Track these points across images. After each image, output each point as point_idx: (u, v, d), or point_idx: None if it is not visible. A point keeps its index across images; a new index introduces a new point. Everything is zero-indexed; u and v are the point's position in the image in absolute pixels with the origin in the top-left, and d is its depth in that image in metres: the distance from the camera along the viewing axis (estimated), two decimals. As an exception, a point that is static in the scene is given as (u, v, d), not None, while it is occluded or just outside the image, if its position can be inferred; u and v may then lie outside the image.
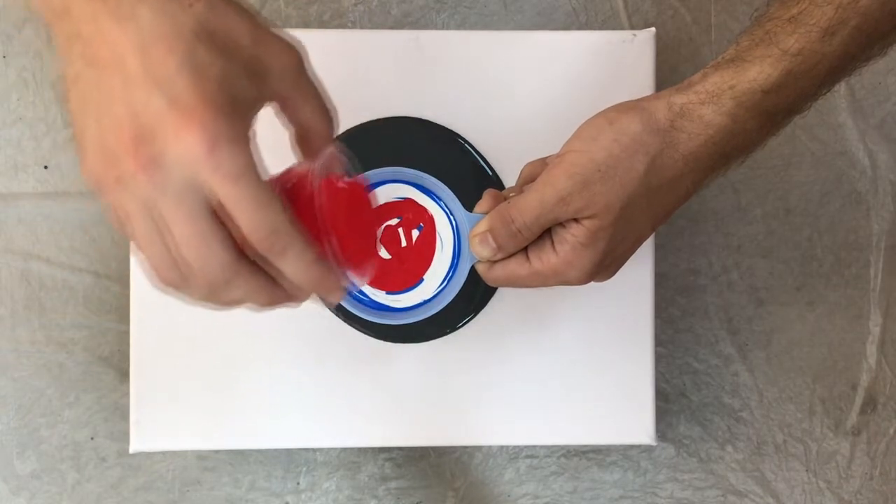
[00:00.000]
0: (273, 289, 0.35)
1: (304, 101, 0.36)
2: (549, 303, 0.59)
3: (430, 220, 0.55)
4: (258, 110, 0.34)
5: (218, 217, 0.32)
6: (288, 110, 0.37)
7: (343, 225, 0.39)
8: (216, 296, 0.34)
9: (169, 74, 0.30)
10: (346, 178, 0.40)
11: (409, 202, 0.55)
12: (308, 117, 0.37)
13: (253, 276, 0.34)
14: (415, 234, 0.55)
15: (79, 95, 0.32)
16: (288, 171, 0.38)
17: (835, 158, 0.71)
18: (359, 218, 0.41)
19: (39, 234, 0.68)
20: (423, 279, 0.55)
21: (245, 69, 0.33)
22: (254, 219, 0.31)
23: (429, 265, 0.55)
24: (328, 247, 0.36)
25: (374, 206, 0.42)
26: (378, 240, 0.46)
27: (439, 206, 0.55)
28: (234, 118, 0.31)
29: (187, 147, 0.30)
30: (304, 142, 0.38)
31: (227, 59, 0.32)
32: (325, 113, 0.38)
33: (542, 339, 0.59)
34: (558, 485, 0.72)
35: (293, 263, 0.33)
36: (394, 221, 0.55)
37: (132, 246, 0.59)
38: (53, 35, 0.33)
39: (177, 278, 0.33)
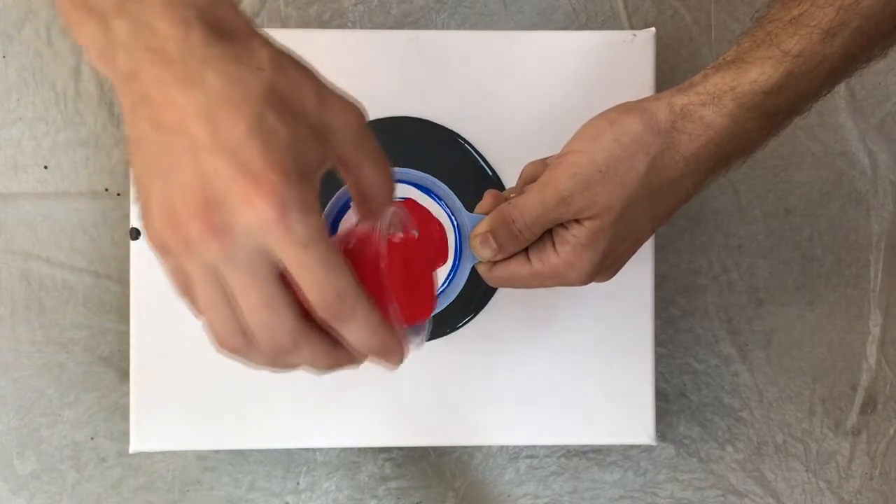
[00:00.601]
0: (336, 353, 0.35)
1: (367, 162, 0.36)
2: (549, 303, 0.59)
3: (441, 231, 0.55)
4: (324, 172, 0.34)
5: (285, 282, 0.32)
6: (350, 172, 0.36)
7: (403, 284, 0.39)
8: (280, 360, 0.34)
9: (237, 140, 0.30)
10: (404, 235, 0.40)
11: (409, 202, 0.55)
12: (370, 179, 0.36)
13: (318, 341, 0.33)
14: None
15: (144, 159, 0.32)
16: (349, 232, 0.38)
17: (835, 158, 0.71)
18: (418, 274, 0.41)
19: (39, 234, 0.67)
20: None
21: (311, 132, 0.32)
22: (322, 284, 0.31)
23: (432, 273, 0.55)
24: (391, 310, 0.36)
25: (435, 262, 0.43)
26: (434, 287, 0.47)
27: (440, 206, 0.55)
28: (303, 183, 0.31)
29: (258, 214, 0.29)
30: (365, 203, 0.38)
31: (294, 123, 0.31)
32: (387, 174, 0.37)
33: (541, 339, 0.59)
34: (558, 485, 0.72)
35: (359, 329, 0.33)
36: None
37: (132, 248, 0.59)
38: (120, 97, 0.33)
39: (242, 344, 0.33)
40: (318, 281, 0.31)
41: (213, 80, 0.30)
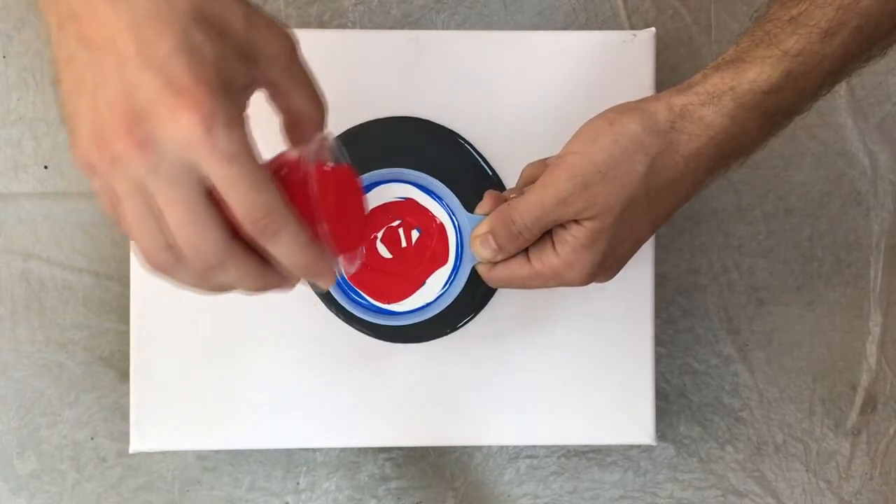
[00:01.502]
0: (265, 272, 0.35)
1: (296, 87, 0.36)
2: (549, 303, 0.59)
3: (441, 229, 0.55)
4: (251, 94, 0.34)
5: (212, 199, 0.32)
6: (279, 96, 0.37)
7: (334, 210, 0.39)
8: (208, 279, 0.34)
9: (164, 55, 0.30)
10: (335, 164, 0.40)
11: (410, 202, 0.55)
12: (299, 103, 0.37)
13: (246, 258, 0.33)
14: (414, 235, 0.55)
15: (71, 76, 0.32)
16: (278, 157, 0.38)
17: (835, 158, 0.71)
18: (348, 203, 0.41)
19: (39, 234, 0.67)
20: (425, 282, 0.55)
21: (238, 53, 0.33)
22: (248, 200, 0.31)
23: (431, 273, 0.55)
24: (320, 232, 0.36)
25: (362, 190, 0.42)
26: (366, 227, 0.46)
27: (440, 206, 0.55)
28: (230, 100, 0.31)
29: (183, 127, 0.30)
30: (295, 128, 0.38)
31: (221, 41, 0.32)
32: (317, 99, 0.38)
33: (542, 340, 0.59)
34: (558, 485, 0.72)
35: (287, 246, 0.33)
36: (395, 223, 0.55)
37: (132, 245, 0.59)
38: (45, 18, 0.33)
39: (169, 261, 0.33)
40: (244, 195, 0.31)
41: None
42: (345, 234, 0.40)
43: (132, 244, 0.34)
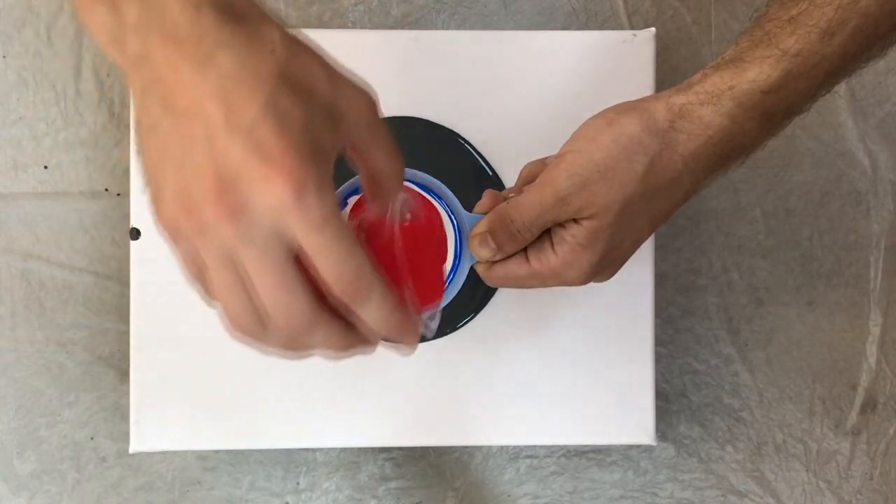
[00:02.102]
0: (351, 335, 0.34)
1: (377, 147, 0.36)
2: (549, 303, 0.59)
3: (441, 229, 0.55)
4: (336, 156, 0.34)
5: (300, 265, 0.32)
6: (360, 156, 0.36)
7: (416, 268, 0.39)
8: (295, 344, 0.34)
9: (252, 120, 0.30)
10: (415, 218, 0.40)
11: (411, 192, 0.55)
12: (380, 163, 0.37)
13: (333, 322, 0.33)
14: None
15: (156, 143, 0.32)
16: (361, 217, 0.38)
17: (835, 158, 0.71)
18: (429, 257, 0.42)
19: (39, 234, 0.68)
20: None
21: (324, 115, 0.32)
22: (339, 265, 0.31)
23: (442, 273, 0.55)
24: (406, 292, 0.36)
25: (442, 241, 0.43)
26: (445, 276, 0.47)
27: (440, 205, 0.55)
28: (319, 164, 0.31)
29: (274, 195, 0.29)
30: (375, 186, 0.38)
31: (308, 105, 0.31)
32: (398, 159, 0.37)
33: (542, 339, 0.59)
34: (558, 485, 0.72)
35: (376, 309, 0.33)
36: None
37: (132, 248, 0.59)
38: (129, 82, 0.32)
39: (256, 328, 0.33)
40: (335, 261, 0.31)
41: (225, 60, 0.30)
42: (427, 289, 0.40)
43: (217, 308, 0.34)
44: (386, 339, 0.36)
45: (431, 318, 0.42)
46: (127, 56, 0.32)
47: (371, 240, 0.36)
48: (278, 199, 0.29)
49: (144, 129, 0.32)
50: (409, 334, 0.35)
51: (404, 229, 0.38)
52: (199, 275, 0.33)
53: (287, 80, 0.31)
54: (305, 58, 0.32)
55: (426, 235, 0.42)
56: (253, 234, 0.30)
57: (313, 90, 0.32)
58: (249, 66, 0.30)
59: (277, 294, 0.31)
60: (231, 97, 0.30)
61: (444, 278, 0.44)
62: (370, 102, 0.35)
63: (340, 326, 0.34)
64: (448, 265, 0.54)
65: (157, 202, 0.32)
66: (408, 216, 0.39)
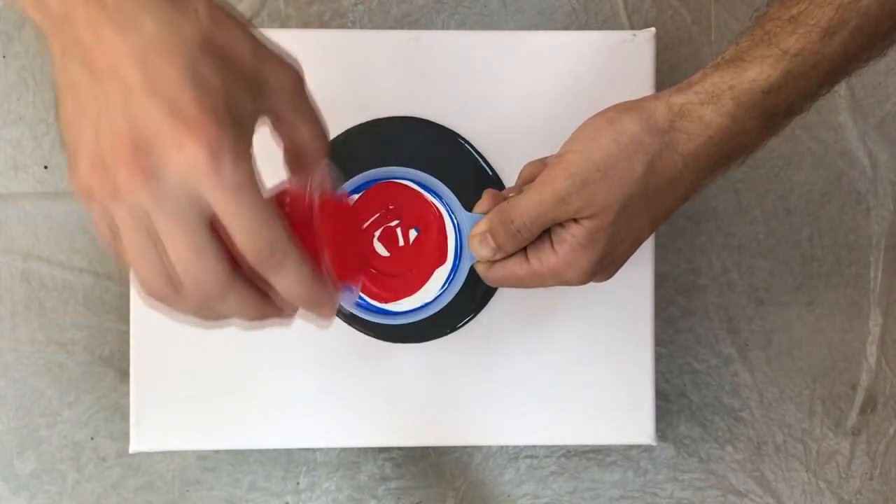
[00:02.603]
0: (265, 304, 0.34)
1: (301, 119, 0.36)
2: (549, 303, 0.59)
3: (441, 226, 0.54)
4: (256, 126, 0.34)
5: (214, 230, 0.31)
6: (283, 127, 0.36)
7: (337, 241, 0.39)
8: (207, 310, 0.34)
9: (171, 85, 0.30)
10: (336, 195, 0.40)
11: (408, 191, 0.55)
12: (303, 135, 0.36)
13: (246, 290, 0.33)
14: (412, 234, 0.55)
15: (74, 103, 0.31)
16: (279, 188, 0.38)
17: (835, 158, 0.71)
18: (349, 234, 0.41)
19: (39, 234, 0.68)
20: (426, 283, 0.55)
21: (245, 83, 0.32)
22: (253, 232, 0.31)
23: (432, 273, 0.55)
24: (323, 264, 0.36)
25: (360, 223, 0.43)
26: (364, 258, 0.46)
27: (441, 206, 0.55)
28: (236, 130, 0.31)
29: (189, 158, 0.29)
30: (297, 160, 0.38)
31: (228, 72, 0.31)
32: (321, 131, 0.37)
33: (542, 340, 0.59)
34: (558, 485, 0.72)
35: (290, 278, 0.33)
36: (393, 223, 0.55)
37: (131, 275, 0.59)
38: (49, 43, 0.32)
39: (168, 292, 0.33)
40: (248, 228, 0.31)
41: (148, 23, 0.30)
42: (346, 265, 0.40)
43: (131, 274, 0.33)
44: (302, 312, 0.36)
45: (347, 295, 0.41)
46: (48, 16, 0.32)
47: (290, 214, 0.36)
48: (193, 163, 0.29)
49: (62, 89, 0.32)
50: (324, 307, 0.35)
51: (324, 203, 0.38)
52: (112, 239, 0.33)
53: (209, 47, 0.31)
54: (229, 26, 0.32)
55: (349, 212, 0.41)
56: (166, 198, 0.30)
57: (235, 58, 0.32)
58: (171, 31, 0.30)
59: (189, 259, 0.31)
60: (150, 60, 0.30)
61: (362, 256, 0.43)
62: (295, 75, 0.35)
63: (254, 295, 0.33)
64: (447, 267, 0.54)
65: (72, 163, 0.32)
66: (329, 191, 0.39)
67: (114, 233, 0.32)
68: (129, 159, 0.30)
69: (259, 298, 0.34)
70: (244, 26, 0.33)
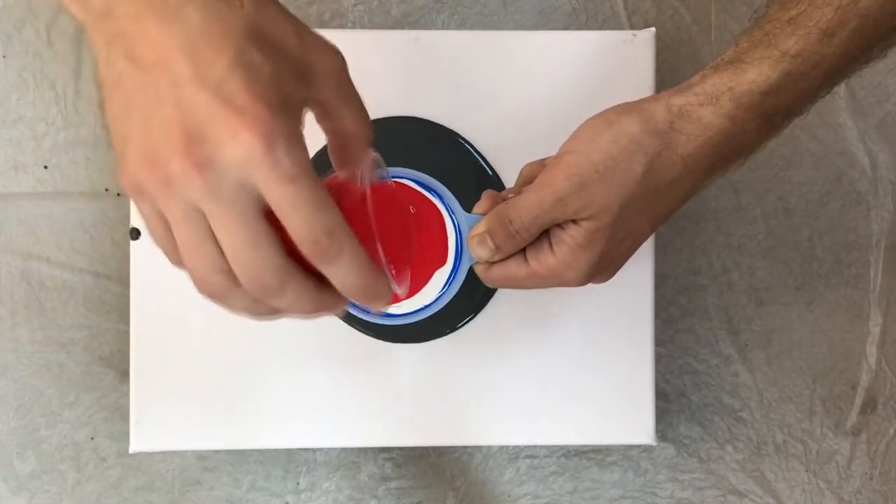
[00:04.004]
0: (321, 295, 0.33)
1: (346, 106, 0.35)
2: (548, 303, 0.59)
3: (442, 227, 0.54)
4: (305, 113, 0.34)
5: (271, 222, 0.31)
6: (328, 116, 0.36)
7: (388, 230, 0.38)
8: (263, 303, 0.33)
9: (220, 74, 0.29)
10: (384, 182, 0.39)
11: (419, 196, 0.54)
12: (349, 123, 0.36)
13: (303, 280, 0.32)
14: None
15: (121, 97, 0.31)
16: (328, 178, 0.38)
17: (835, 158, 0.71)
18: (399, 222, 0.41)
19: (39, 234, 0.68)
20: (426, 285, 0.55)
21: (293, 70, 0.32)
22: (310, 220, 0.30)
23: (431, 275, 0.55)
24: (378, 254, 0.36)
25: (411, 210, 0.42)
26: (414, 245, 0.46)
27: (442, 206, 0.55)
28: (289, 117, 0.30)
29: (243, 146, 0.29)
30: (343, 149, 0.37)
31: (277, 58, 0.31)
32: (366, 119, 0.37)
33: (541, 340, 0.59)
34: (558, 485, 0.72)
35: (347, 267, 0.32)
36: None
37: (132, 248, 0.59)
38: (91, 36, 0.32)
39: (225, 286, 0.32)
40: (305, 216, 0.30)
41: (192, 14, 0.30)
42: (397, 253, 0.39)
43: (184, 267, 0.33)
44: (355, 302, 0.35)
45: (400, 283, 0.41)
46: (90, 10, 0.31)
47: (341, 201, 0.36)
48: (247, 152, 0.29)
49: (109, 83, 0.31)
50: (379, 295, 0.34)
51: (375, 191, 0.37)
52: (164, 234, 0.32)
53: (256, 34, 0.31)
54: (274, 11, 0.32)
55: (395, 200, 0.41)
56: (220, 188, 0.29)
57: (282, 45, 0.32)
58: (217, 20, 0.30)
59: (245, 250, 0.31)
60: (198, 51, 0.29)
61: (412, 244, 0.43)
62: (340, 60, 0.34)
63: (311, 286, 0.33)
64: (448, 268, 0.54)
65: (121, 158, 0.31)
66: (377, 180, 0.39)
67: (165, 227, 0.32)
68: (182, 150, 0.29)
69: (315, 289, 0.33)
70: (287, 13, 0.33)
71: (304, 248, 0.31)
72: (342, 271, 0.32)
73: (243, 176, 0.29)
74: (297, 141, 0.30)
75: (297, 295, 0.33)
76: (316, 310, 0.34)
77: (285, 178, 0.29)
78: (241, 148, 0.29)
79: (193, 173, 0.29)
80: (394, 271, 0.38)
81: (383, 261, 0.36)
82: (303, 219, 0.30)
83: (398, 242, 0.40)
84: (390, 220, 0.40)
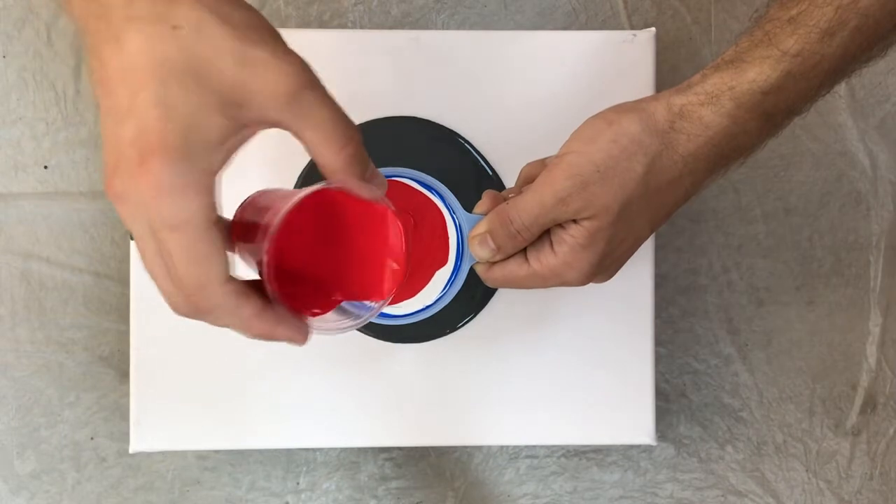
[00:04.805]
0: (259, 321, 0.34)
1: (307, 126, 0.34)
2: (548, 303, 0.59)
3: (444, 227, 0.54)
4: (237, 144, 0.33)
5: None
6: (294, 134, 0.35)
7: (361, 258, 0.38)
8: (214, 322, 0.34)
9: (142, 109, 0.31)
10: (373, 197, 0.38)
11: (421, 196, 0.54)
12: (312, 142, 0.34)
13: (232, 309, 0.33)
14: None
15: (100, 106, 0.33)
16: (319, 187, 0.36)
17: (835, 158, 0.71)
18: (378, 251, 0.41)
19: (39, 234, 0.68)
20: (426, 286, 0.55)
21: (222, 101, 0.32)
22: (181, 273, 0.32)
23: (432, 276, 0.55)
24: (334, 285, 0.36)
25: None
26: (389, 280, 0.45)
27: (443, 206, 0.55)
28: (191, 164, 0.31)
29: (139, 190, 0.31)
30: (319, 166, 0.36)
31: (201, 93, 0.31)
32: (337, 138, 0.34)
33: (541, 340, 0.59)
34: (558, 485, 0.72)
35: (226, 320, 0.33)
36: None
37: (132, 248, 0.59)
38: (82, 42, 0.35)
39: (177, 303, 0.34)
40: (178, 268, 0.32)
41: (131, 39, 0.31)
42: (368, 281, 0.39)
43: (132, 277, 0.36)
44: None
45: (367, 309, 0.40)
46: (74, 22, 0.33)
47: (313, 218, 0.36)
48: (141, 196, 0.31)
49: (93, 83, 0.33)
50: (287, 337, 0.35)
51: (359, 216, 0.37)
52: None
53: (184, 66, 0.31)
54: (215, 35, 0.32)
55: (381, 230, 0.40)
56: (134, 220, 0.32)
57: (214, 73, 0.32)
58: (151, 49, 0.31)
59: (156, 277, 0.33)
60: (132, 80, 0.31)
61: (390, 284, 0.42)
62: (296, 80, 0.33)
63: (248, 313, 0.34)
64: (449, 268, 0.54)
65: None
66: (388, 204, 0.38)
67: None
68: (109, 179, 0.32)
69: (255, 316, 0.34)
70: (232, 32, 0.32)
71: (180, 300, 0.33)
72: (222, 322, 0.34)
73: (143, 215, 0.31)
74: (189, 191, 0.31)
75: (229, 320, 0.34)
76: (257, 335, 0.35)
77: (166, 227, 0.31)
78: (137, 191, 0.31)
79: (117, 202, 0.32)
80: (361, 297, 0.38)
81: (341, 290, 0.36)
82: (175, 270, 0.32)
83: (374, 268, 0.40)
84: (371, 245, 0.39)
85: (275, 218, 0.34)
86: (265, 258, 0.34)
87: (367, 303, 0.41)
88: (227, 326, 0.34)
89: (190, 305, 0.33)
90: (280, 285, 0.34)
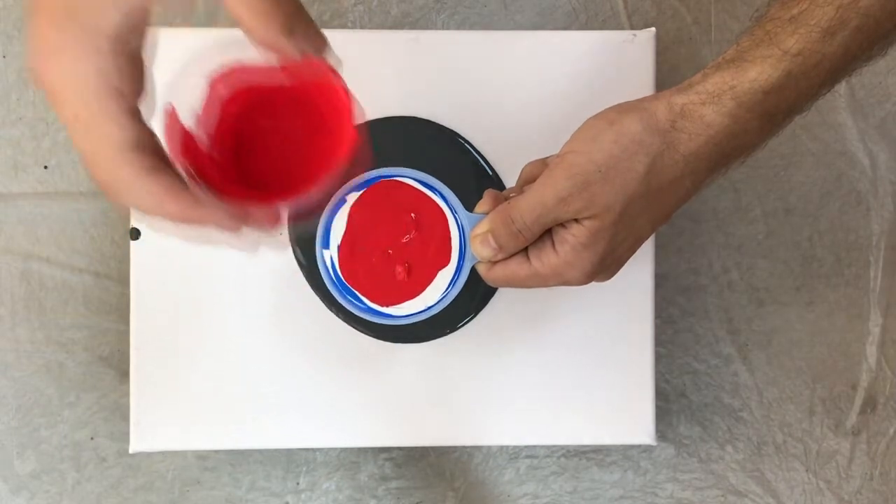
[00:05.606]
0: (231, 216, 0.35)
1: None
2: (549, 303, 0.59)
3: (445, 228, 0.54)
4: (134, 4, 0.32)
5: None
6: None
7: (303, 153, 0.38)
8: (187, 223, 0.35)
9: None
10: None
11: (422, 196, 0.54)
12: (238, 10, 0.32)
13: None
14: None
15: None
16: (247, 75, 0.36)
17: (835, 158, 0.71)
18: (317, 148, 0.40)
19: (39, 234, 0.67)
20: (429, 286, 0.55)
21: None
22: (77, 138, 0.33)
23: (434, 276, 0.55)
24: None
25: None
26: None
27: (446, 206, 0.55)
28: (76, 23, 0.31)
29: (37, 53, 0.32)
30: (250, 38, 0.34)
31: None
32: (258, 7, 0.32)
33: (542, 340, 0.59)
34: (558, 485, 0.72)
35: (133, 199, 0.34)
36: (405, 238, 0.54)
37: (132, 248, 0.59)
38: None
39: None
40: (74, 133, 0.33)
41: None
42: (304, 174, 0.38)
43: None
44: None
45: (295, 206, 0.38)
46: None
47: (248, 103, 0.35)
48: (39, 60, 0.32)
49: None
50: (205, 221, 0.34)
51: (293, 100, 0.36)
52: None
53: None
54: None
55: (322, 119, 0.39)
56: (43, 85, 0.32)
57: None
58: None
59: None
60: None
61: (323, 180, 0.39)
62: None
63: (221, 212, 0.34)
64: (451, 268, 0.54)
65: None
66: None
67: None
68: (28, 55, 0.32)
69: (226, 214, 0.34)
70: None
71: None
72: (133, 200, 0.34)
73: (42, 81, 0.32)
74: (78, 48, 0.31)
75: (138, 198, 0.34)
76: (177, 218, 0.34)
77: (63, 89, 0.32)
78: (36, 57, 0.32)
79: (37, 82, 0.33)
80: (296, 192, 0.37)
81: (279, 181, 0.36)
82: (75, 134, 0.33)
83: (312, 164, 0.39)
84: (311, 143, 0.39)
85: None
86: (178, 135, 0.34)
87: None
88: (140, 208, 0.34)
89: (92, 176, 0.33)
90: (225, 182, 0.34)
